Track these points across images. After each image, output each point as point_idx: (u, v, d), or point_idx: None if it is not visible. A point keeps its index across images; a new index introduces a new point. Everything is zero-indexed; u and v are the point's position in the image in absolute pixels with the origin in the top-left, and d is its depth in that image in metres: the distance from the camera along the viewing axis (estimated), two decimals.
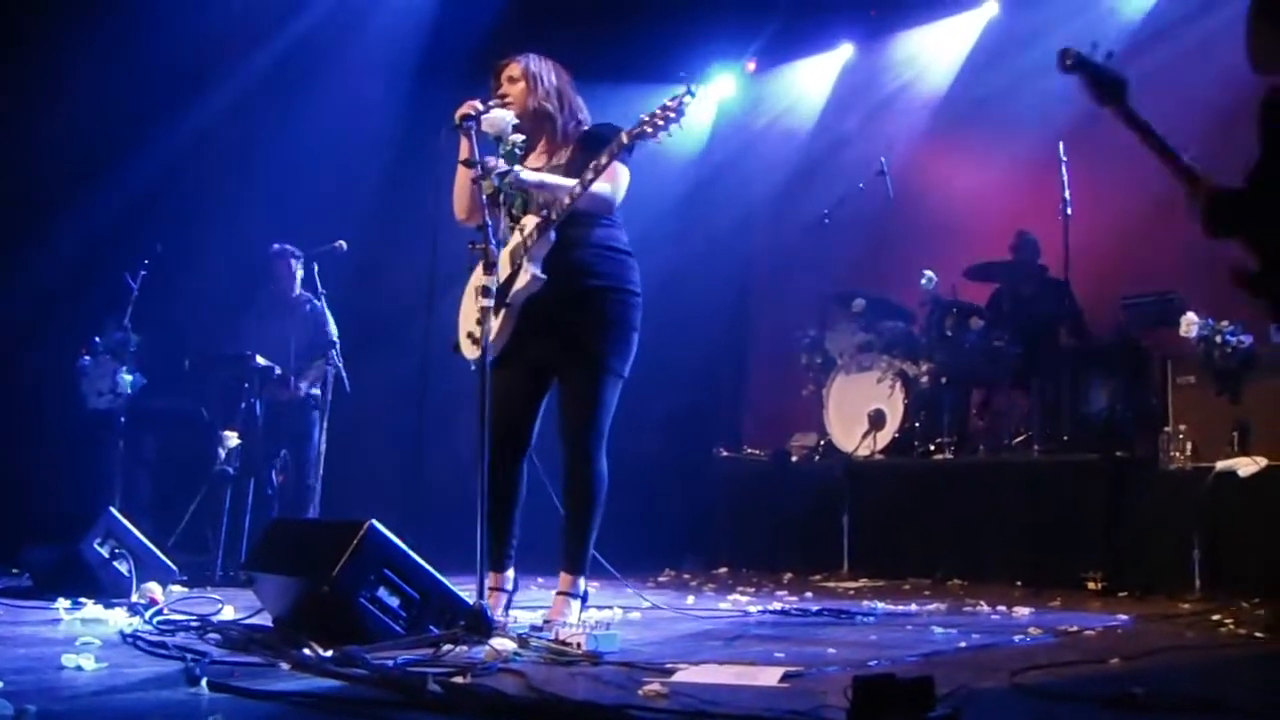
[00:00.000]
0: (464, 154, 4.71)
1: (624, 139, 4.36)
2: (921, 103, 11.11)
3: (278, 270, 8.12)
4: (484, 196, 4.38)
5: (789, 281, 10.89)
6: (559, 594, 4.68)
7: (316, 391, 7.84)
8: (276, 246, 8.13)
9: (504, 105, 4.66)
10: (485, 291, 4.23)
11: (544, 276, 4.35)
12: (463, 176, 4.78)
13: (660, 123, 4.26)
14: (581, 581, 4.70)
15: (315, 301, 8.02)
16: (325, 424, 7.73)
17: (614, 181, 4.64)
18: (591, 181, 4.46)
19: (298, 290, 8.11)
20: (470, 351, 4.78)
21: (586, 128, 4.82)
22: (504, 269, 4.68)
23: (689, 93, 4.22)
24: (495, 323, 4.66)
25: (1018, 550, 7.28)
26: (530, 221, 4.52)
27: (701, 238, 11.95)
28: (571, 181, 4.53)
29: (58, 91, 9.60)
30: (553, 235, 4.50)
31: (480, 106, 4.61)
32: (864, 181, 9.38)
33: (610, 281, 4.69)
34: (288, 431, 7.85)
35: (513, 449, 4.65)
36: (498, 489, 4.44)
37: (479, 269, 4.64)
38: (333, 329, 7.95)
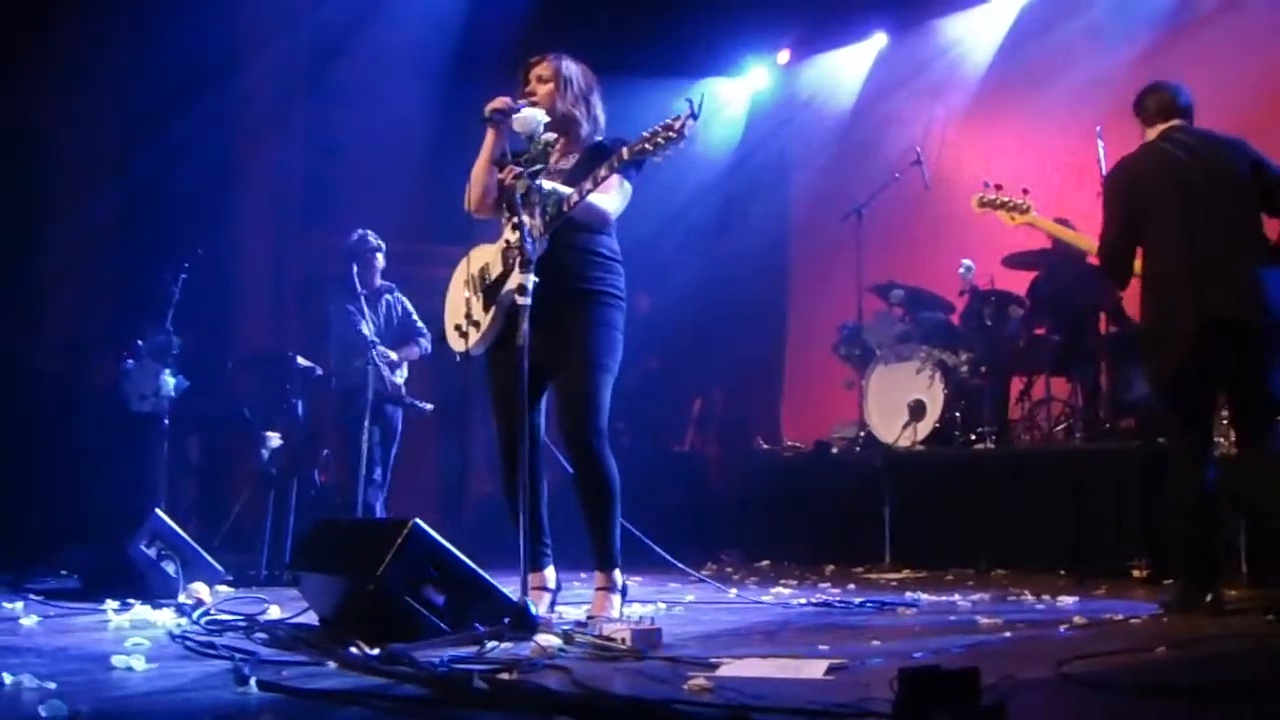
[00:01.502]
0: (490, 149, 4.75)
1: (624, 154, 4.36)
2: (956, 90, 11.07)
3: (363, 259, 7.89)
4: (518, 196, 4.39)
5: (827, 273, 10.86)
6: (597, 590, 4.72)
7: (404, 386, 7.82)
8: (359, 233, 7.93)
9: (534, 104, 4.67)
10: (522, 290, 4.23)
11: (535, 279, 4.32)
12: (481, 168, 4.81)
13: (661, 142, 4.25)
14: (617, 575, 4.72)
15: (395, 291, 8.01)
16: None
17: (613, 194, 4.67)
18: (589, 193, 4.47)
19: (379, 280, 8.00)
20: (456, 343, 4.87)
21: (599, 138, 4.84)
22: (495, 267, 4.73)
23: (692, 115, 4.20)
24: (485, 320, 4.70)
25: (1061, 539, 7.23)
26: (524, 219, 4.50)
27: (738, 231, 11.96)
28: (600, 196, 4.57)
29: (96, 94, 9.70)
30: (546, 240, 4.49)
31: (512, 103, 4.63)
32: (900, 171, 9.33)
33: (597, 285, 4.74)
34: (386, 429, 7.77)
35: (519, 448, 4.57)
36: (513, 490, 4.49)
37: (468, 261, 4.83)
38: (418, 319, 7.98)
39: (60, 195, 9.57)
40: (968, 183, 10.06)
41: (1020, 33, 10.78)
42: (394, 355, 7.69)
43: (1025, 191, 6.01)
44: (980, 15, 11.04)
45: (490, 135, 4.77)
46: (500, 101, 4.66)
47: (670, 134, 4.24)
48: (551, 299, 4.34)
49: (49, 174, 9.53)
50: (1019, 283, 8.93)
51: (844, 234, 9.34)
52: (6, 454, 8.37)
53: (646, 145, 4.29)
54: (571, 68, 4.87)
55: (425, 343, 7.90)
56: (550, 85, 4.80)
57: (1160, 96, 5.44)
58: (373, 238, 7.91)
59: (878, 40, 11.72)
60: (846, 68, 12.06)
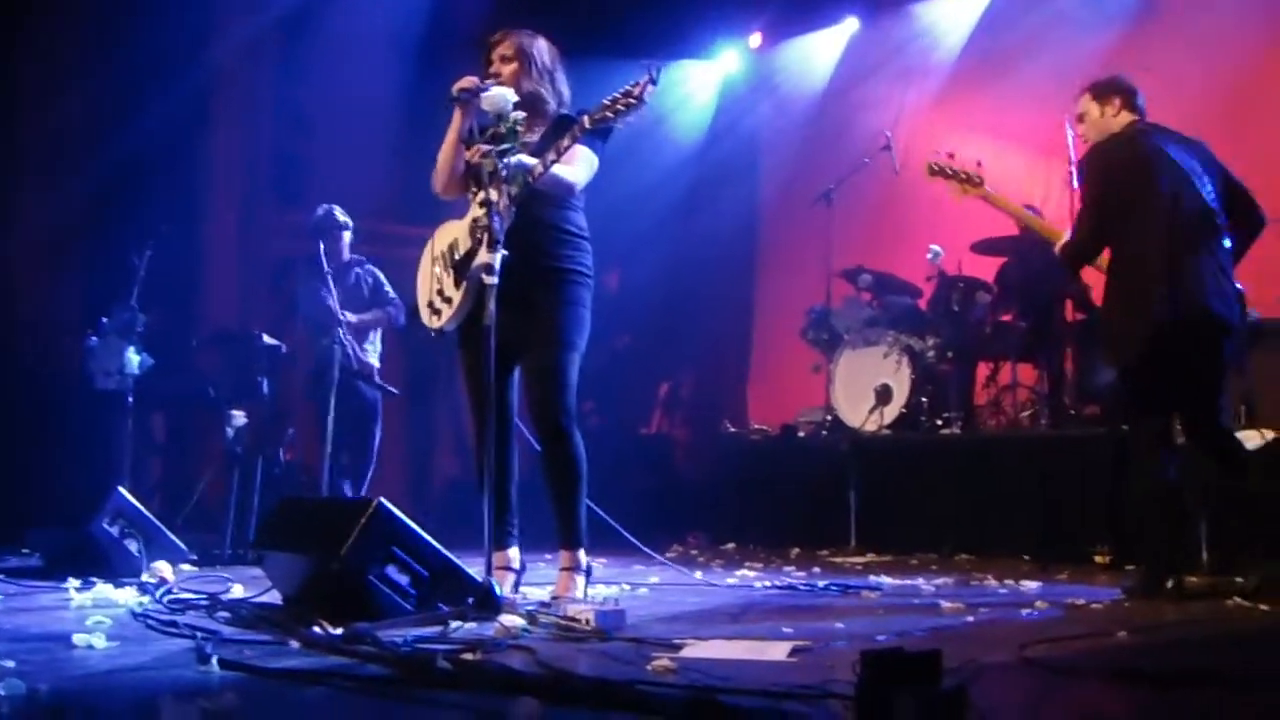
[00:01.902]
0: (457, 129, 4.73)
1: (586, 123, 4.35)
2: (927, 76, 11.09)
3: (329, 234, 7.82)
4: (485, 173, 4.37)
5: (795, 257, 10.87)
6: (562, 570, 4.72)
7: (376, 363, 7.77)
8: (324, 209, 7.88)
9: (500, 83, 4.65)
10: (489, 269, 4.22)
11: (505, 253, 4.30)
12: (449, 148, 4.80)
13: (622, 108, 4.25)
14: (582, 555, 4.73)
15: (366, 263, 7.96)
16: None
17: (578, 165, 4.65)
18: (552, 163, 4.46)
19: (347, 255, 7.95)
20: (429, 320, 4.87)
21: (564, 110, 4.82)
22: (464, 243, 4.71)
23: (651, 81, 4.19)
24: (456, 296, 4.69)
25: (1025, 524, 7.27)
26: (491, 195, 4.49)
27: (708, 214, 11.94)
28: (565, 168, 4.56)
29: (56, 69, 9.59)
30: (513, 211, 4.47)
31: (479, 83, 4.61)
32: (869, 156, 9.34)
33: (566, 264, 4.74)
34: (363, 410, 7.71)
35: (495, 423, 4.56)
36: (482, 466, 4.48)
37: (435, 238, 4.84)
38: (390, 289, 7.94)
39: (28, 173, 9.47)
40: None
41: (992, 20, 10.81)
42: (353, 318, 7.59)
43: (979, 164, 5.98)
44: (952, 2, 11.06)
45: (457, 115, 4.75)
46: (467, 81, 4.64)
47: (631, 100, 4.23)
48: (520, 277, 4.32)
49: (16, 153, 9.42)
50: (987, 269, 8.96)
51: (813, 218, 9.35)
52: None
53: (607, 113, 4.28)
54: (534, 44, 4.86)
55: (395, 312, 7.85)
56: (515, 64, 4.78)
57: (1127, 90, 5.52)
58: (339, 213, 7.87)
59: (850, 25, 11.72)
60: (818, 52, 12.05)
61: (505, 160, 4.38)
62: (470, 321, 4.72)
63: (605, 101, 4.29)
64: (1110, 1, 9.94)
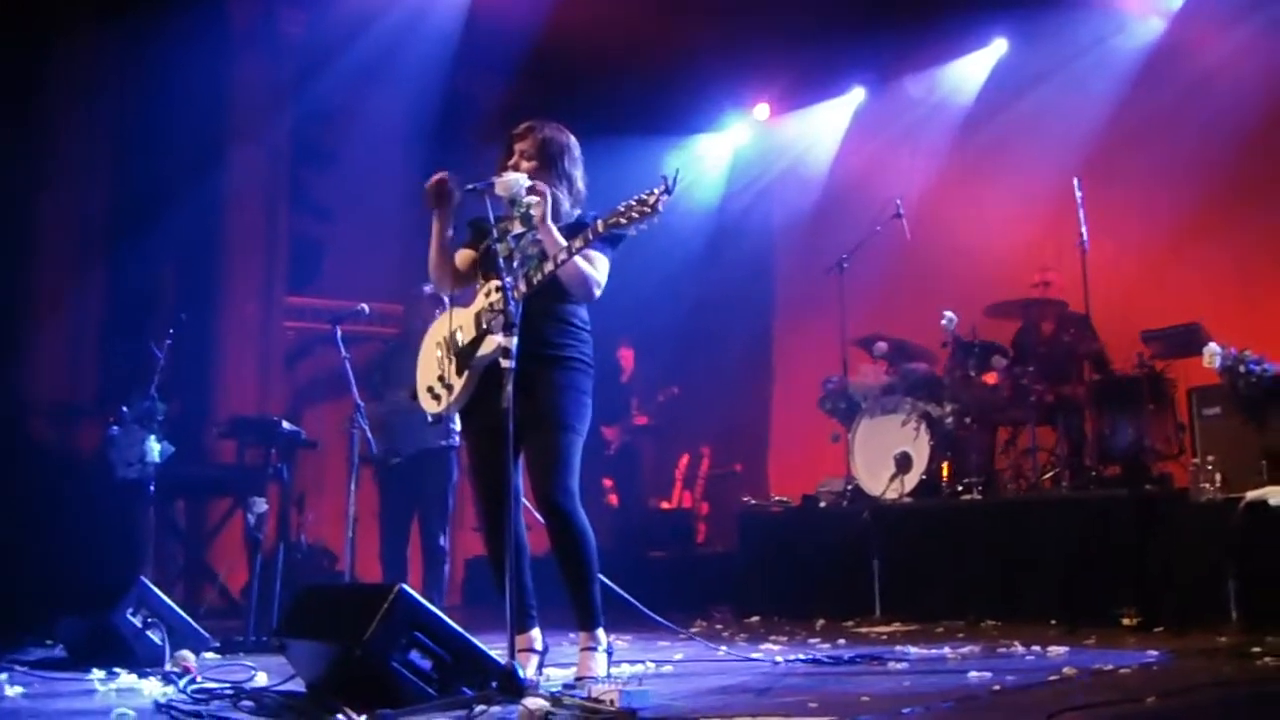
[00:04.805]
0: (438, 235, 4.82)
1: (599, 226, 4.39)
2: (934, 143, 11.18)
3: (423, 311, 7.67)
4: (501, 259, 4.40)
5: (810, 326, 10.91)
6: (582, 650, 4.71)
7: (456, 440, 7.65)
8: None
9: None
10: (506, 353, 4.23)
11: (509, 345, 4.32)
12: (434, 255, 4.88)
13: (635, 216, 4.28)
14: (600, 634, 4.71)
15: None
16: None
17: (598, 267, 4.71)
18: (563, 263, 4.50)
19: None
20: (429, 405, 4.92)
21: (579, 211, 4.87)
22: (469, 331, 4.76)
23: (666, 190, 4.24)
24: (458, 384, 4.74)
25: (1051, 589, 7.21)
26: (496, 293, 4.51)
27: (721, 286, 12.03)
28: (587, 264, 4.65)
29: (84, 159, 9.73)
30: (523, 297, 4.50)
31: (451, 176, 4.69)
32: (880, 224, 9.38)
33: (567, 351, 4.77)
34: (426, 484, 7.66)
35: (501, 509, 4.53)
36: (496, 552, 4.53)
37: (436, 324, 4.93)
38: None
39: (46, 261, 9.57)
40: (948, 234, 10.18)
41: (998, 85, 10.92)
42: None
43: None
44: (957, 69, 11.18)
45: (435, 219, 4.81)
46: (437, 178, 4.70)
47: (645, 209, 4.27)
48: (521, 364, 4.33)
49: (37, 237, 9.53)
50: (1001, 331, 8.97)
51: (827, 287, 9.38)
52: None
53: (620, 219, 4.32)
54: (556, 144, 4.87)
55: None
56: (534, 164, 4.80)
57: None
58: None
59: (856, 95, 11.85)
60: (826, 122, 12.17)
61: (512, 239, 4.42)
62: (472, 408, 4.77)
63: (619, 208, 4.33)
64: (1118, 62, 10.05)
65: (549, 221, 4.59)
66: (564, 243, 4.54)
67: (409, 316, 7.85)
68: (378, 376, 7.82)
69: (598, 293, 4.75)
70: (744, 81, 11.99)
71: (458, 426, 7.17)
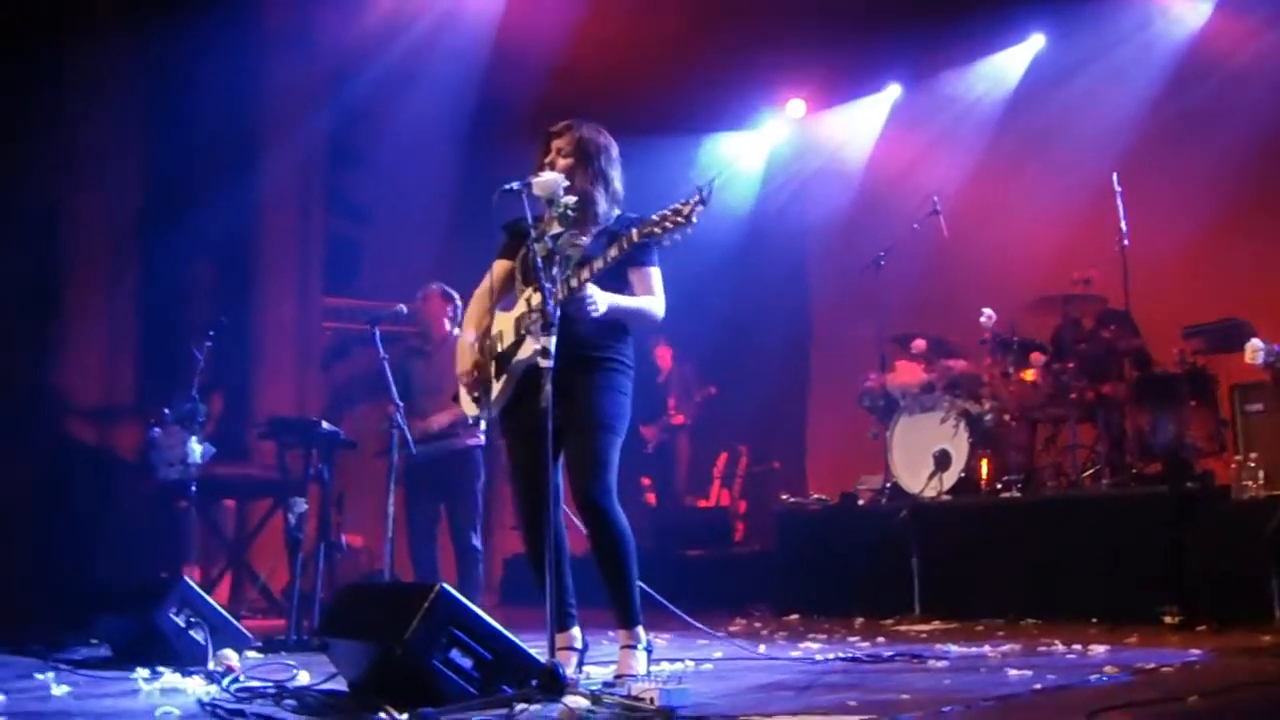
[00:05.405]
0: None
1: (634, 236, 4.43)
2: (972, 139, 11.13)
3: (428, 308, 7.85)
4: (539, 260, 4.42)
5: (848, 324, 10.88)
6: (622, 648, 4.73)
7: (481, 439, 7.66)
8: (432, 286, 7.90)
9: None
10: (545, 353, 4.25)
11: (547, 345, 4.33)
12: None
13: (669, 226, 4.32)
14: (640, 632, 4.73)
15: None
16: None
17: (656, 294, 4.78)
18: (605, 265, 4.52)
19: (448, 328, 7.83)
20: (469, 407, 5.00)
21: (616, 211, 4.88)
22: (507, 337, 4.81)
23: (701, 200, 4.26)
24: (496, 386, 4.79)
25: (1091, 587, 7.17)
26: (536, 296, 4.54)
27: (759, 284, 12.02)
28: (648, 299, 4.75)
29: (119, 162, 9.79)
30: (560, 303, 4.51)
31: None
32: (918, 221, 9.35)
33: (607, 353, 4.78)
34: (453, 484, 7.65)
35: (540, 509, 4.53)
36: (536, 551, 4.60)
37: (475, 328, 4.99)
38: None
39: (82, 262, 9.64)
40: (986, 231, 10.14)
41: (1034, 81, 10.87)
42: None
43: None
44: (992, 64, 11.13)
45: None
46: None
47: (679, 219, 4.31)
48: (560, 365, 4.34)
49: (72, 239, 9.60)
50: (1040, 328, 8.92)
51: (864, 285, 9.36)
52: (35, 524, 8.42)
53: (655, 229, 4.36)
54: (594, 144, 4.87)
55: None
56: (570, 161, 4.81)
57: None
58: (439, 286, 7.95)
59: (892, 91, 11.81)
60: (862, 119, 12.14)
61: (550, 239, 4.44)
62: (512, 410, 4.81)
63: (654, 218, 4.36)
64: (1156, 55, 9.99)
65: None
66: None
67: (420, 316, 7.83)
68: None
69: (660, 314, 4.80)
70: (780, 79, 11.97)
71: (483, 426, 7.27)
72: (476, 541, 7.59)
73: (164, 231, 9.67)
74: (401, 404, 7.24)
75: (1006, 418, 8.52)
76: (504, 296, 5.00)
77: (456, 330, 7.69)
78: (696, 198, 4.26)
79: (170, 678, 4.91)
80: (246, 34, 9.98)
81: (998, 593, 7.52)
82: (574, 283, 4.52)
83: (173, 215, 9.65)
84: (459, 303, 7.72)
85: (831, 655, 5.69)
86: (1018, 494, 8.17)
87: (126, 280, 9.94)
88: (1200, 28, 9.97)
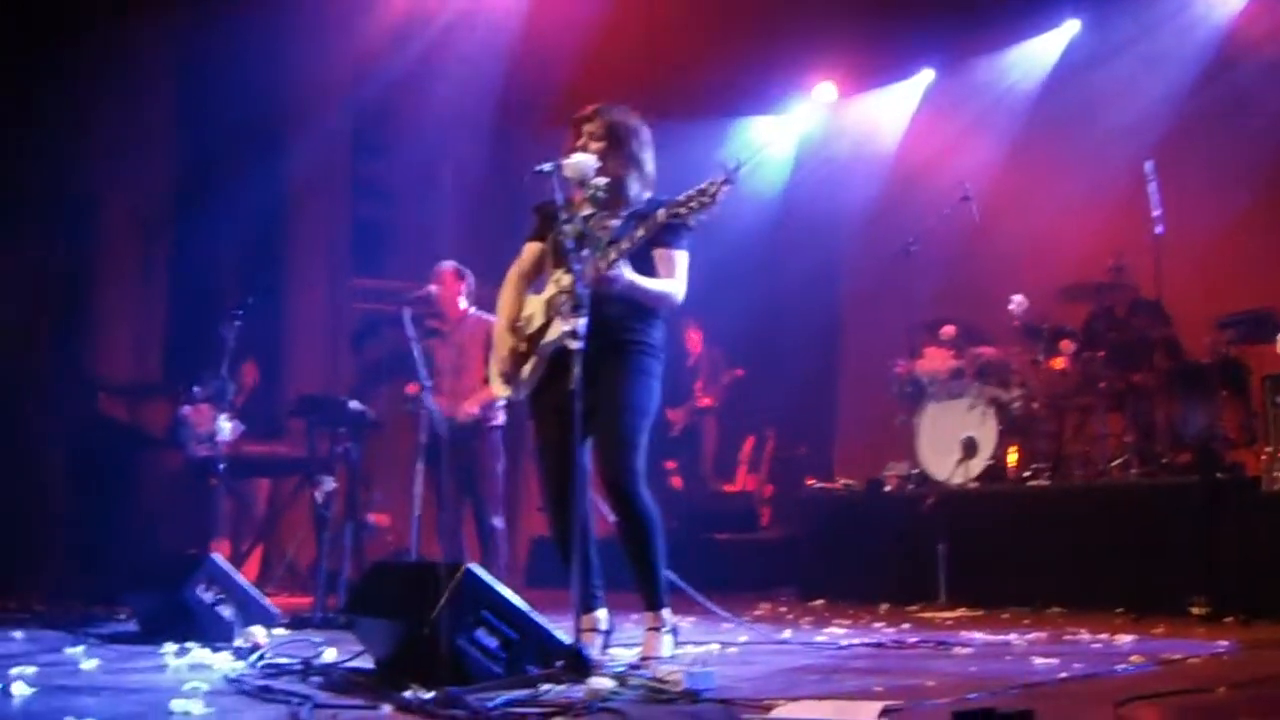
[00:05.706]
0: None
1: (660, 217, 4.43)
2: (1004, 125, 11.06)
3: (442, 287, 7.72)
4: (570, 242, 4.42)
5: (877, 310, 10.85)
6: (647, 630, 4.74)
7: (501, 420, 7.65)
8: (445, 264, 7.84)
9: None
10: (574, 335, 4.25)
11: (577, 326, 4.33)
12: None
13: (695, 206, 4.33)
14: (666, 614, 4.74)
15: (486, 316, 7.66)
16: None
17: (679, 275, 4.75)
18: (631, 246, 4.51)
19: (463, 306, 7.81)
20: (500, 389, 5.00)
21: (648, 194, 4.86)
22: (537, 319, 4.82)
23: (727, 180, 4.25)
24: (527, 368, 4.79)
25: (1118, 576, 7.15)
26: (566, 278, 4.54)
27: (789, 269, 11.98)
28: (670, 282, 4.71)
29: (147, 148, 9.85)
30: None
31: None
32: (949, 208, 9.29)
33: (636, 335, 4.77)
34: (473, 464, 7.57)
35: (566, 491, 4.59)
36: (562, 532, 4.58)
37: (508, 311, 4.97)
38: None
39: (113, 243, 9.72)
40: (1017, 218, 10.07)
41: (1067, 66, 10.79)
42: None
43: None
44: (1027, 50, 11.05)
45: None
46: None
47: (705, 199, 4.31)
48: (590, 348, 4.34)
49: (103, 221, 9.67)
50: (1071, 315, 8.87)
51: (894, 270, 9.32)
52: (64, 500, 8.49)
53: (680, 210, 4.36)
54: (625, 127, 4.85)
55: None
56: (602, 144, 4.79)
57: None
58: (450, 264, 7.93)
59: (925, 76, 11.75)
60: (894, 104, 12.08)
61: (580, 220, 4.44)
62: (541, 391, 4.82)
63: (680, 199, 4.37)
64: (1192, 42, 9.90)
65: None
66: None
67: (435, 295, 7.77)
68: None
69: (680, 299, 4.78)
70: (812, 63, 11.92)
71: (501, 405, 7.29)
72: (498, 522, 7.60)
73: (196, 216, 9.74)
74: (429, 384, 7.25)
75: (1035, 405, 8.49)
76: (535, 279, 5.00)
77: (472, 309, 7.73)
78: (723, 178, 4.25)
79: (198, 653, 4.94)
80: (277, 23, 10.00)
81: (1024, 581, 7.51)
82: (603, 264, 4.51)
83: (204, 200, 9.71)
84: (472, 281, 7.74)
85: (856, 641, 5.69)
86: (1045, 482, 8.14)
87: (158, 264, 10.03)
88: (1238, 12, 9.87)
